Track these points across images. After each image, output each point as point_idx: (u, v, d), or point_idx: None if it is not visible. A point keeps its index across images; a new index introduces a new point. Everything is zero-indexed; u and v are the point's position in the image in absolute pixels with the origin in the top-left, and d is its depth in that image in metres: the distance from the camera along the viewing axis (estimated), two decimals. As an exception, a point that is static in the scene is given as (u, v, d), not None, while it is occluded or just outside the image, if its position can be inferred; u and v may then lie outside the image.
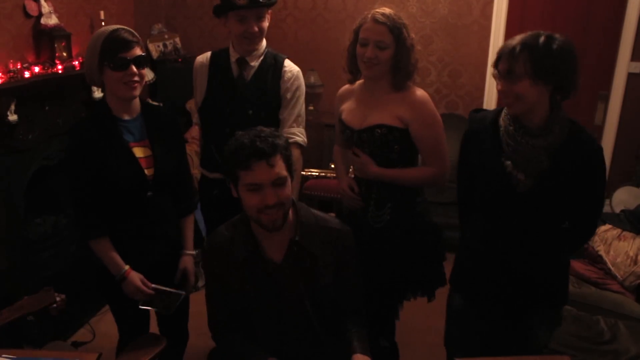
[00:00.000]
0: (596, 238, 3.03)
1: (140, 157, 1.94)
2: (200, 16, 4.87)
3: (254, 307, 1.72)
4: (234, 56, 2.31)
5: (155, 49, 4.59)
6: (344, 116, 2.18)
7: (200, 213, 3.95)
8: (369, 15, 2.00)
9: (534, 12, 4.25)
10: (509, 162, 1.72)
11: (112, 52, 1.82)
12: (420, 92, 2.05)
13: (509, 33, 4.32)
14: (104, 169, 1.87)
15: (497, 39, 4.34)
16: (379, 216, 2.10)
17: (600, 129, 4.22)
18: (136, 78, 1.86)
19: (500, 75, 1.66)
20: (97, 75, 1.87)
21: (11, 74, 2.87)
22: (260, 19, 2.20)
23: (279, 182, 1.59)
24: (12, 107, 2.75)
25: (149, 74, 4.32)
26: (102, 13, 3.70)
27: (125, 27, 1.89)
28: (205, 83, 2.35)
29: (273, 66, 2.31)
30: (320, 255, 1.70)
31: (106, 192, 1.90)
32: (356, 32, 2.05)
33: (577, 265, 2.94)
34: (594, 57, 4.14)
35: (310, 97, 4.66)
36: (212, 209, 2.51)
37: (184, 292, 2.04)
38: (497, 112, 1.81)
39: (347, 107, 2.19)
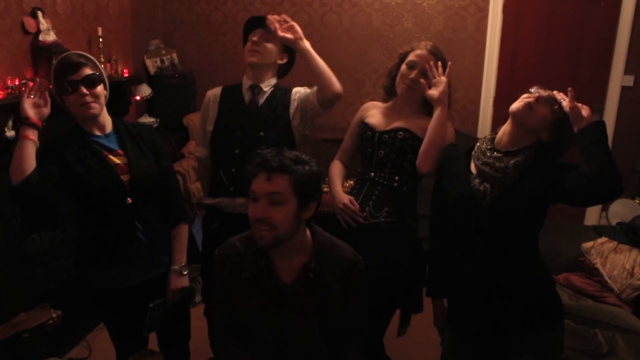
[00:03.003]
0: (592, 251, 3.04)
1: (116, 164, 1.94)
2: (197, 32, 4.91)
3: (257, 322, 1.72)
4: (247, 83, 2.34)
5: (152, 65, 4.62)
6: (368, 119, 2.27)
7: (200, 227, 3.97)
8: (422, 44, 2.17)
9: (528, 26, 4.31)
10: (477, 180, 1.81)
11: (62, 77, 1.84)
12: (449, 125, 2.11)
13: (503, 47, 4.37)
14: (80, 177, 1.86)
15: (492, 54, 4.39)
16: (375, 217, 2.16)
17: (595, 142, 4.25)
18: (88, 98, 1.85)
19: (537, 91, 1.77)
20: (61, 102, 1.89)
21: (9, 90, 2.89)
22: (268, 40, 2.26)
23: (276, 200, 1.57)
24: (10, 123, 2.77)
25: (145, 90, 4.35)
26: (99, 29, 3.72)
27: (77, 52, 1.91)
28: (216, 112, 2.36)
29: (283, 94, 2.35)
30: (332, 283, 1.69)
31: (87, 201, 1.91)
32: (403, 56, 2.19)
33: (574, 278, 2.95)
34: (587, 71, 4.19)
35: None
36: (210, 243, 2.43)
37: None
38: (472, 146, 1.92)
39: (372, 113, 2.29)
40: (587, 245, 3.09)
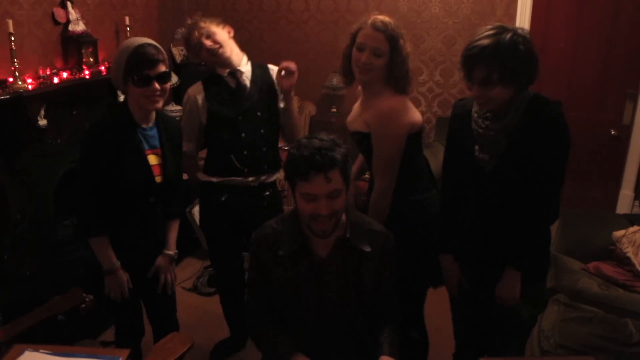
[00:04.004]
0: (624, 240, 2.98)
1: (153, 165, 2.02)
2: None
3: (294, 300, 1.76)
4: (224, 72, 2.43)
5: (178, 53, 4.65)
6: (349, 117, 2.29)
7: (194, 217, 3.95)
8: (369, 21, 2.04)
9: (559, 10, 4.20)
10: (477, 147, 1.85)
11: (136, 69, 1.87)
12: (391, 103, 2.05)
13: (533, 32, 4.26)
14: (117, 173, 1.94)
15: (520, 39, 4.29)
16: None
17: (628, 128, 4.14)
18: (158, 93, 1.92)
19: (474, 82, 1.73)
20: (122, 86, 1.94)
21: (41, 79, 2.95)
22: (208, 36, 2.37)
23: (334, 195, 1.63)
24: (42, 112, 2.83)
25: (172, 78, 4.38)
26: (127, 19, 3.76)
27: (152, 42, 1.93)
28: (206, 105, 2.42)
29: (262, 72, 2.48)
30: (368, 254, 1.73)
31: (114, 194, 1.98)
32: (353, 36, 2.09)
33: (605, 267, 2.89)
34: (621, 56, 4.07)
35: (333, 99, 4.68)
36: (217, 217, 2.56)
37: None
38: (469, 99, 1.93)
39: (354, 106, 2.28)
40: (618, 233, 3.03)
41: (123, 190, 1.98)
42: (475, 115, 1.86)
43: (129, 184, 1.97)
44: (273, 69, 2.51)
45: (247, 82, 2.42)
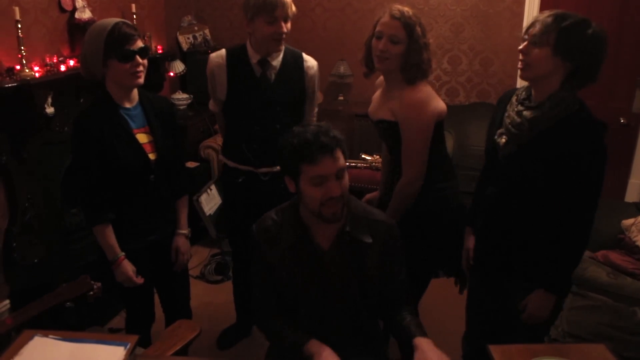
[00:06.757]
0: (633, 228, 2.96)
1: (144, 143, 2.03)
2: (229, 7, 4.90)
3: (298, 291, 1.76)
4: (254, 57, 2.34)
5: (185, 41, 4.63)
6: (370, 105, 2.28)
7: (201, 205, 3.96)
8: (389, 10, 2.06)
9: (569, -3, 4.15)
10: (499, 130, 1.82)
11: (118, 45, 1.88)
12: (418, 94, 2.04)
13: (542, 19, 4.22)
14: (110, 155, 1.95)
15: (530, 26, 4.24)
16: (387, 196, 2.22)
17: (637, 116, 4.10)
18: (140, 68, 1.94)
19: (527, 38, 1.69)
20: (100, 68, 1.93)
21: (48, 67, 2.95)
22: (286, 20, 2.25)
23: (341, 174, 1.63)
24: (49, 99, 2.83)
25: (179, 66, 4.38)
26: (133, 6, 3.75)
27: (125, 21, 1.96)
28: (225, 82, 2.38)
29: (294, 64, 2.38)
30: (370, 246, 1.72)
31: (112, 177, 1.99)
32: (374, 26, 2.12)
33: (613, 255, 2.88)
34: (631, 42, 4.02)
35: (340, 87, 4.66)
36: (235, 195, 2.60)
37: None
38: (519, 87, 1.88)
39: (374, 96, 2.26)
40: (627, 222, 3.01)
41: (120, 173, 1.99)
42: (515, 98, 1.83)
43: (124, 165, 1.97)
44: (309, 64, 2.41)
45: (273, 76, 2.35)
